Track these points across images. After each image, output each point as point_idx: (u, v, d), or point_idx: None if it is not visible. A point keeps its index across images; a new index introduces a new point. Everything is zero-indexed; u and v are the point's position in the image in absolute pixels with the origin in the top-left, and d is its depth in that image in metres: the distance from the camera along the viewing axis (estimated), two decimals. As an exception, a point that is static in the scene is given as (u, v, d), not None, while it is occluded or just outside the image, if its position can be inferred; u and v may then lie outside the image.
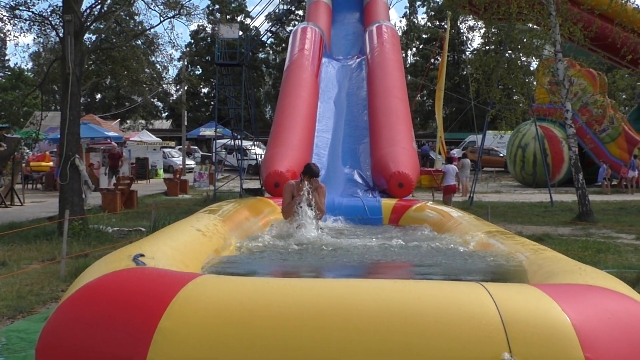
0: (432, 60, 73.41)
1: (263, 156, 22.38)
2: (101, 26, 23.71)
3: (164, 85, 33.46)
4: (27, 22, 20.17)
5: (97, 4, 19.38)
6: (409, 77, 66.91)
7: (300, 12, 60.93)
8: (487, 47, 30.27)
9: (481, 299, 4.31)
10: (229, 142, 41.23)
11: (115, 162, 33.56)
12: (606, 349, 4.08)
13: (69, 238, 12.78)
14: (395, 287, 4.57)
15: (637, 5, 26.70)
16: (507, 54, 27.00)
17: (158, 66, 27.15)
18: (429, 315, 4.15)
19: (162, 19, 21.70)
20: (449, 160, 28.50)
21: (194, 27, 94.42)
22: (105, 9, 20.29)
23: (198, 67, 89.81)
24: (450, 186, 24.93)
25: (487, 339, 4.01)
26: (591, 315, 4.31)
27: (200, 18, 77.30)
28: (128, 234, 17.43)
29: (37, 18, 19.94)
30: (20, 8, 19.65)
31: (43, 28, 20.86)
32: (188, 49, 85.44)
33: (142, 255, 5.74)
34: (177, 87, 51.89)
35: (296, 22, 71.34)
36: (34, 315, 9.11)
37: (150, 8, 22.06)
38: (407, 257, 8.92)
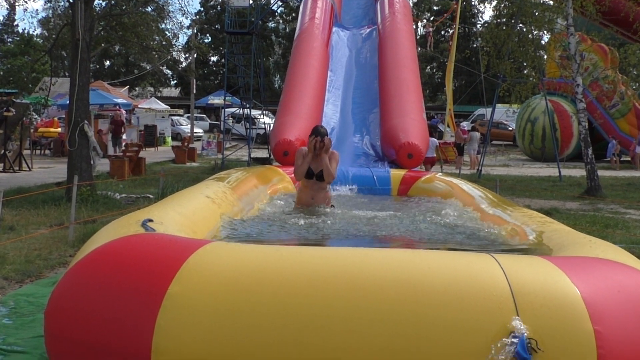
0: (443, 32, 73.17)
1: (272, 125, 22.33)
2: (112, -8, 23.61)
3: (173, 53, 33.39)
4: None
5: (107, -31, 19.31)
6: (419, 49, 66.62)
7: (311, -18, 60.59)
8: (499, 20, 30.06)
9: (491, 270, 4.30)
10: (238, 110, 41.18)
11: (118, 129, 33.42)
12: (615, 322, 4.07)
13: (77, 204, 12.78)
14: (405, 256, 4.56)
15: (650, -21, 26.49)
16: (518, 27, 26.87)
17: (168, 33, 27.07)
18: (438, 285, 4.14)
19: (173, -15, 21.60)
20: (430, 133, 28.35)
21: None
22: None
23: (208, 35, 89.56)
24: (429, 158, 24.75)
25: (496, 310, 4.00)
26: (601, 288, 4.30)
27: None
28: (136, 201, 17.45)
29: (48, -17, 19.87)
30: (30, -27, 19.57)
31: (53, -7, 20.79)
32: (198, 16, 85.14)
33: (150, 221, 5.73)
34: (187, 55, 51.86)
35: (307, -8, 70.91)
36: (42, 279, 9.13)
37: (161, -26, 21.97)
38: (414, 228, 8.89)
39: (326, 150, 9.85)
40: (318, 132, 9.92)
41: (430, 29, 51.63)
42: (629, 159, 37.06)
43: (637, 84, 42.50)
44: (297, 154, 10.16)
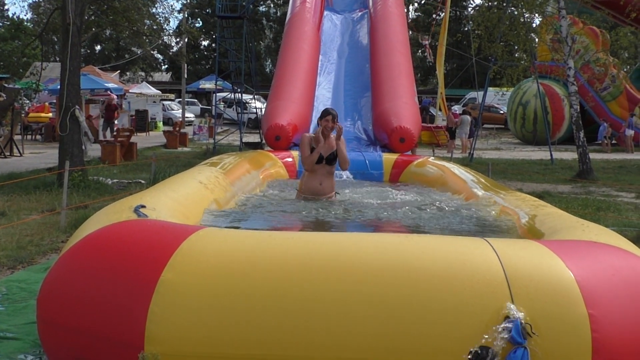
0: (434, 16, 72.98)
1: (264, 109, 22.29)
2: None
3: (164, 37, 33.29)
4: (27, -29, 20.02)
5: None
6: (411, 33, 66.54)
7: (302, -35, 60.46)
8: (490, 3, 30.04)
9: (485, 254, 4.30)
10: (229, 95, 41.11)
11: (110, 114, 33.28)
12: (609, 305, 4.07)
13: (68, 189, 12.75)
14: (399, 241, 4.56)
15: (642, -38, 26.45)
16: (509, 10, 26.85)
17: (159, 18, 27.01)
18: (432, 270, 4.14)
19: (163, -30, 21.52)
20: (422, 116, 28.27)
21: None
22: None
23: (198, 19, 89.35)
24: None
25: (490, 294, 4.00)
26: (595, 271, 4.31)
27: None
28: (128, 186, 17.42)
29: (37, -33, 19.78)
30: (20, -44, 19.51)
31: (43, -23, 20.71)
32: (189, 1, 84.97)
33: (143, 207, 5.71)
34: (178, 40, 51.67)
35: (298, -25, 70.81)
36: (34, 265, 9.11)
37: (151, -42, 21.89)
38: (408, 212, 8.89)
39: (339, 135, 9.54)
40: (329, 113, 9.59)
41: (426, 42, 51.52)
42: (616, 141, 37.13)
43: (629, 67, 42.58)
44: (302, 140, 9.73)
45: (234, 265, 4.24)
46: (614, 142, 36.43)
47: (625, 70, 41.30)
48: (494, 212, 8.24)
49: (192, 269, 4.23)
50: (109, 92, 38.73)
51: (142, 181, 17.95)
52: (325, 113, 9.62)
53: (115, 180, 18.32)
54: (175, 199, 6.90)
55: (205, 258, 4.31)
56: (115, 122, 34.32)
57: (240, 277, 4.15)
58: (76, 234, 5.36)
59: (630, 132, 35.99)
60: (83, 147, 17.62)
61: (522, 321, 3.85)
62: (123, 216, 5.39)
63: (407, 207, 9.17)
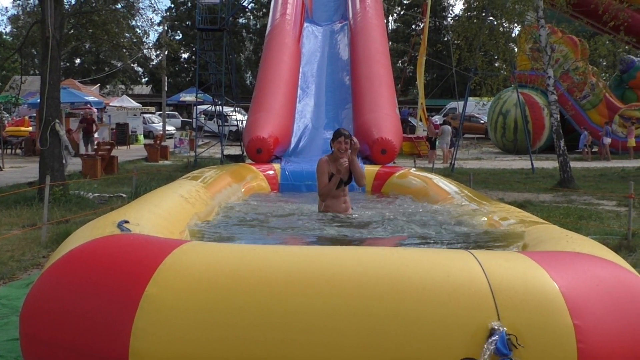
0: (414, 27, 73.27)
1: (245, 122, 22.28)
2: (81, -11, 23.49)
3: (144, 50, 33.23)
4: (6, -15, 19.98)
5: (77, -34, 19.18)
6: (391, 43, 66.75)
7: (282, -23, 60.54)
8: (469, 14, 30.17)
9: (470, 266, 4.30)
10: (210, 107, 41.10)
11: (89, 127, 33.16)
12: (594, 316, 4.08)
13: (49, 204, 12.69)
14: (383, 254, 4.55)
15: (619, -29, 26.66)
16: (489, 20, 26.96)
17: (138, 31, 26.95)
18: (417, 283, 4.12)
19: (142, -18, 21.51)
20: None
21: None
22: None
23: (178, 32, 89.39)
24: None
25: (475, 306, 4.00)
26: (579, 282, 4.31)
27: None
28: (109, 200, 17.36)
29: (16, -19, 19.74)
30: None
31: (22, -10, 20.67)
32: (168, 13, 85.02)
33: (127, 222, 5.70)
34: (158, 52, 51.52)
35: (277, -13, 70.92)
36: (15, 281, 9.05)
37: (131, -29, 21.88)
38: (394, 225, 8.90)
39: (355, 151, 9.38)
40: (342, 134, 9.29)
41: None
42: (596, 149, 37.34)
43: (608, 75, 42.84)
44: (320, 167, 9.40)
45: (219, 280, 4.21)
46: (594, 150, 36.60)
47: (604, 78, 41.54)
48: (477, 223, 8.25)
49: (176, 283, 4.20)
50: (89, 105, 38.66)
51: (124, 195, 17.89)
52: (338, 134, 9.38)
53: (96, 195, 18.25)
54: (158, 214, 6.89)
55: (190, 272, 4.28)
56: (96, 135, 34.23)
57: (225, 292, 4.13)
58: (60, 249, 5.33)
59: (607, 140, 36.17)
60: (64, 161, 17.55)
61: (508, 332, 3.86)
62: (106, 231, 5.37)
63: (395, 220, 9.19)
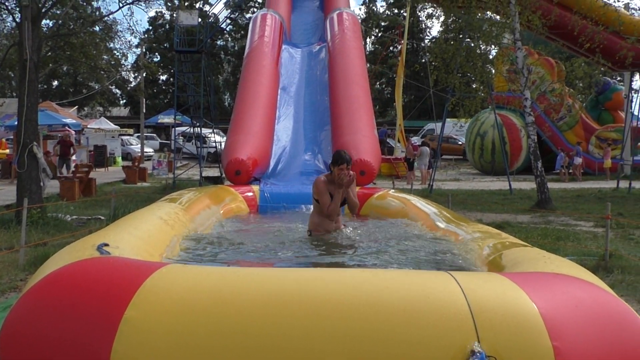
0: (391, 48, 73.55)
1: (223, 144, 22.28)
2: (58, 12, 23.45)
3: (122, 72, 33.24)
4: (-17, 7, 19.94)
5: (55, -12, 19.16)
6: (368, 65, 67.06)
7: (260, -1, 60.79)
8: (447, 35, 30.35)
9: (449, 287, 4.32)
10: (188, 129, 41.06)
11: (66, 150, 32.97)
12: (574, 337, 4.10)
13: (27, 226, 12.63)
14: (363, 275, 4.56)
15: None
16: (466, 42, 27.11)
17: (116, 53, 26.99)
18: (397, 304, 4.13)
19: (120, 4, 21.52)
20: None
21: (152, 13, 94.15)
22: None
23: (156, 54, 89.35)
24: None
25: (455, 328, 4.01)
26: (558, 303, 4.34)
27: (159, 4, 76.81)
28: (87, 223, 17.30)
29: (-7, 3, 19.71)
30: (-25, -7, 19.42)
31: (-1, 13, 20.65)
32: (146, 35, 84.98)
33: (106, 245, 5.69)
34: (136, 74, 51.65)
35: (255, 9, 71.21)
36: (-7, 304, 8.99)
37: (108, -6, 21.90)
38: (372, 246, 8.91)
39: (349, 184, 9.27)
40: (345, 160, 9.10)
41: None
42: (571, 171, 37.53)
43: (584, 97, 43.08)
44: (318, 186, 9.35)
45: (199, 302, 4.21)
46: (570, 171, 36.78)
47: (580, 100, 41.81)
48: (456, 245, 8.27)
49: (155, 306, 4.20)
50: (66, 127, 38.52)
51: (102, 217, 17.83)
52: (341, 160, 9.15)
53: (74, 217, 18.17)
54: (138, 236, 6.87)
55: (169, 295, 4.28)
56: (73, 157, 34.11)
57: (205, 314, 4.13)
58: (38, 272, 5.31)
59: (578, 160, 36.34)
60: (41, 184, 17.49)
61: (487, 354, 3.87)
62: (86, 254, 5.35)
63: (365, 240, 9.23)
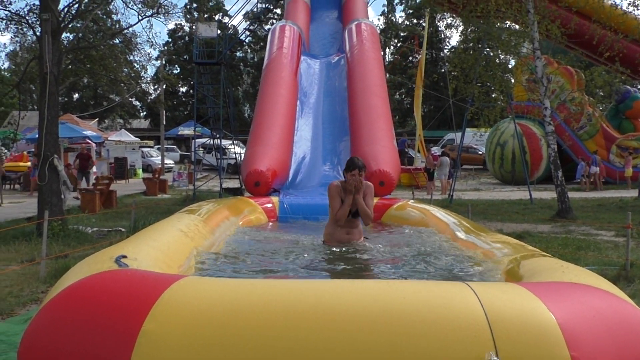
0: (410, 58, 73.53)
1: (243, 155, 22.34)
2: (78, 25, 23.57)
3: (142, 85, 33.32)
4: (4, 21, 20.06)
5: (74, 2, 19.26)
6: (388, 75, 67.05)
7: (279, 11, 60.96)
8: (466, 45, 30.33)
9: (467, 298, 4.30)
10: (208, 141, 41.14)
11: (84, 163, 32.92)
12: (592, 348, 4.07)
13: (48, 239, 12.69)
14: (380, 287, 4.54)
15: (614, 1, 26.79)
16: (485, 52, 27.08)
17: (136, 65, 27.06)
18: (414, 316, 4.12)
19: (140, 17, 21.65)
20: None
21: (172, 25, 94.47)
22: (83, 8, 20.16)
23: (176, 66, 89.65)
24: None
25: (472, 338, 3.99)
26: (576, 313, 4.31)
27: (178, 17, 77.24)
28: (108, 235, 17.37)
29: (14, 17, 19.83)
30: (-3, 7, 19.54)
31: (20, 27, 20.79)
32: (166, 47, 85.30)
33: (124, 257, 5.70)
34: (156, 86, 51.72)
35: (274, 21, 71.30)
36: (14, 317, 9.04)
37: (128, 7, 22.00)
38: (390, 257, 8.90)
39: (357, 190, 9.14)
40: (357, 166, 9.03)
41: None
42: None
43: (604, 105, 42.91)
44: (331, 192, 9.24)
45: (216, 315, 4.20)
46: (591, 180, 36.60)
47: (600, 108, 41.65)
48: (474, 255, 8.24)
49: (173, 319, 4.19)
50: (87, 140, 38.70)
51: (122, 229, 17.89)
52: (352, 166, 9.09)
53: (95, 229, 18.25)
54: (157, 248, 6.88)
55: (187, 307, 4.27)
56: (94, 169, 34.22)
57: (223, 327, 4.12)
58: (57, 285, 5.33)
59: (594, 170, 36.14)
60: (62, 196, 17.58)
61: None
62: (104, 266, 5.36)
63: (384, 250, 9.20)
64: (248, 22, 37.59)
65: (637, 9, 25.71)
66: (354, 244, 9.27)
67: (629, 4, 24.84)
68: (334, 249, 9.06)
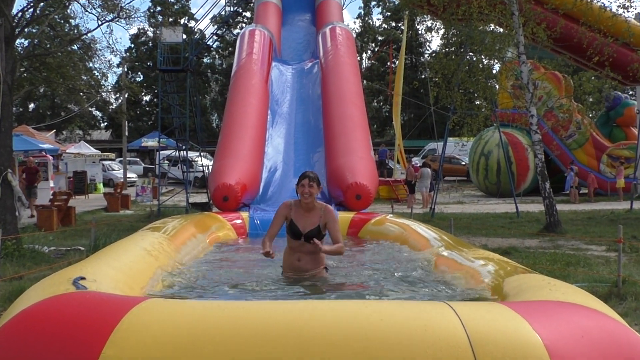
0: (389, 64, 73.71)
1: (210, 168, 22.32)
2: (34, 30, 23.51)
3: (102, 94, 33.23)
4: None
5: (29, 6, 19.20)
6: (365, 82, 67.19)
7: (248, 14, 61.04)
8: (447, 49, 30.44)
9: (447, 318, 4.31)
10: (173, 153, 41.04)
11: (32, 177, 32.28)
12: (580, 370, 4.09)
13: (1, 259, 12.61)
14: (355, 307, 4.55)
15: (602, 3, 26.93)
16: (468, 57, 27.17)
17: (96, 73, 27.03)
18: (392, 338, 4.13)
19: (99, 22, 21.58)
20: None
21: (134, 30, 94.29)
22: (39, 12, 20.10)
23: (139, 73, 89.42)
24: None
25: (454, 361, 4.01)
26: (564, 333, 4.33)
27: (140, 21, 77.18)
28: (66, 254, 17.24)
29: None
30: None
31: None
32: (128, 54, 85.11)
33: (82, 278, 5.68)
34: (117, 95, 51.60)
35: (244, 25, 71.37)
36: (-36, 343, 8.95)
37: (86, 11, 21.93)
38: (367, 275, 8.91)
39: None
40: (305, 177, 8.40)
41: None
42: (587, 191, 37.44)
43: (594, 112, 43.10)
44: (278, 210, 8.64)
45: (181, 339, 4.20)
46: (581, 192, 36.73)
47: (590, 116, 41.85)
48: (455, 272, 8.26)
49: (134, 344, 4.18)
50: (43, 153, 38.51)
51: (82, 248, 17.78)
52: (302, 176, 8.45)
53: (52, 248, 18.12)
54: (118, 268, 6.86)
55: (149, 332, 4.27)
56: (51, 184, 33.97)
57: (188, 351, 4.11)
58: (11, 309, 5.30)
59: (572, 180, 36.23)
60: (17, 213, 17.46)
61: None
62: (61, 289, 5.34)
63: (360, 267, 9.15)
64: (216, 27, 37.53)
65: (627, 11, 25.80)
66: (305, 274, 8.48)
67: (618, 6, 24.84)
68: (282, 281, 8.51)
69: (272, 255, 8.19)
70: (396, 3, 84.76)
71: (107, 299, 5.01)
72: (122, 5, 21.80)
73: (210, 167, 26.90)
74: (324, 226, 8.45)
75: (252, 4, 34.72)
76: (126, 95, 49.98)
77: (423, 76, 73.72)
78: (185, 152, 34.30)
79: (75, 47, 23.61)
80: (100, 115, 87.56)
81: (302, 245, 8.43)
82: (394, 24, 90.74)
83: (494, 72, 28.87)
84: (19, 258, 15.89)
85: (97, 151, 55.63)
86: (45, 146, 39.65)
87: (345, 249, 8.74)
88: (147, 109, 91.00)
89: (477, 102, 29.08)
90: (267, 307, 4.71)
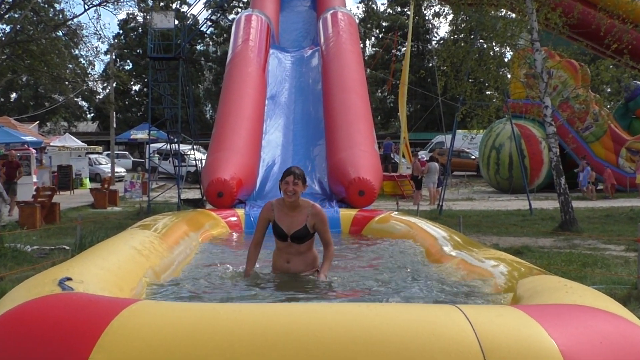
0: (394, 51, 73.66)
1: (204, 162, 22.29)
2: (16, 15, 23.49)
3: (89, 83, 33.20)
4: None
5: (11, -10, 19.19)
6: (368, 71, 67.12)
7: (244, -2, 60.95)
8: (456, 36, 30.34)
9: (457, 323, 4.30)
10: (165, 146, 41.02)
11: (12, 172, 31.96)
12: (598, 377, 4.09)
13: (-19, 259, 12.62)
14: (360, 310, 4.54)
15: (622, -13, 26.89)
16: (478, 44, 27.13)
17: (82, 61, 27.02)
18: (398, 343, 4.13)
19: (86, 7, 21.59)
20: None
21: (123, 15, 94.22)
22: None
23: (128, 61, 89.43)
24: None
25: (464, 367, 4.00)
26: (581, 339, 4.32)
27: (130, 5, 77.14)
28: (50, 253, 17.24)
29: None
30: None
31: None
32: (116, 40, 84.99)
33: (69, 279, 5.67)
34: (105, 85, 51.64)
35: (239, 10, 71.45)
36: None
37: (72, -6, 21.93)
38: (371, 275, 8.90)
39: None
40: (290, 173, 8.22)
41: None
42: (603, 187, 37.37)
43: (612, 103, 42.98)
44: (260, 212, 8.55)
45: (174, 343, 4.20)
46: (599, 188, 36.66)
47: (608, 107, 41.75)
48: (465, 273, 8.24)
49: (124, 348, 4.18)
50: (26, 146, 38.49)
51: (67, 247, 17.77)
52: (286, 172, 8.28)
53: (35, 247, 18.12)
54: (106, 269, 6.85)
55: (140, 335, 4.27)
56: (34, 179, 33.92)
57: (181, 357, 4.11)
58: (-8, 312, 5.30)
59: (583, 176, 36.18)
60: (-2, 210, 17.47)
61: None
62: (46, 290, 5.33)
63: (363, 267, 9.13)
64: (210, 12, 37.53)
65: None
66: (295, 276, 8.39)
67: (638, -10, 24.89)
68: (269, 282, 8.36)
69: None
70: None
71: (95, 300, 5.01)
72: (110, -12, 21.80)
73: (203, 161, 26.89)
74: (312, 227, 8.34)
75: (248, -12, 34.69)
76: (114, 85, 49.93)
77: (430, 65, 73.59)
78: (177, 145, 34.26)
79: (60, 33, 23.63)
80: (87, 106, 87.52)
81: (289, 247, 8.37)
82: (399, 9, 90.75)
83: (506, 60, 28.84)
84: (0, 258, 15.90)
85: (83, 144, 55.70)
86: (28, 138, 39.62)
87: (335, 248, 8.77)
88: (137, 99, 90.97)
89: (488, 92, 29.03)
90: (264, 310, 4.69)
